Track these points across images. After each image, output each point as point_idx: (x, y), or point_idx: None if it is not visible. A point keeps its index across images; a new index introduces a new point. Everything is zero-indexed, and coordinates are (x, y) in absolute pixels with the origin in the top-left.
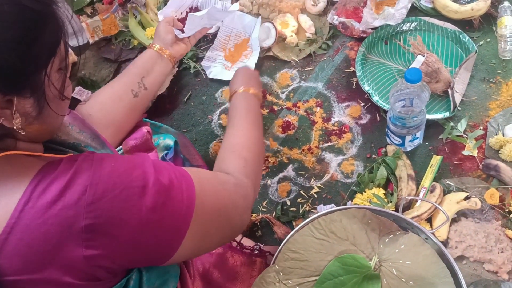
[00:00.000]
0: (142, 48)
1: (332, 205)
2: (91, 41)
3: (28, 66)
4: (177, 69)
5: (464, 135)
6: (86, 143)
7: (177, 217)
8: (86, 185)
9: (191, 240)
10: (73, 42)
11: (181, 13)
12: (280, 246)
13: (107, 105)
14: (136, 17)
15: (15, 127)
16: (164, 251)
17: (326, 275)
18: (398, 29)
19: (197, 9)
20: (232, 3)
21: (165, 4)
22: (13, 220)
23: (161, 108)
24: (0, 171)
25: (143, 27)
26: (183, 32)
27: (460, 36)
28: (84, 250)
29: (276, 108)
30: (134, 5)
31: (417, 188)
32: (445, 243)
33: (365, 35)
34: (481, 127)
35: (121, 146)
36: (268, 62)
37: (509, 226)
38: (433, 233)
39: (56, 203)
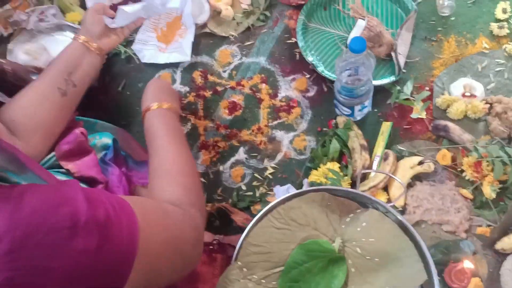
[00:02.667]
0: None
1: (289, 185)
2: (5, 34)
3: None
4: (106, 56)
5: (411, 97)
6: (1, 167)
7: (117, 258)
8: (8, 226)
9: (136, 281)
10: None
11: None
12: (240, 241)
13: (32, 107)
14: (52, 2)
15: None
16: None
17: (290, 264)
18: None
19: None
20: None
21: None
22: None
23: (93, 101)
24: None
25: (63, 12)
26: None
27: None
28: None
29: (219, 88)
30: None
31: (371, 157)
32: (403, 209)
33: (303, 2)
34: (427, 88)
35: (53, 153)
36: (205, 39)
37: (462, 185)
38: (392, 206)
39: None
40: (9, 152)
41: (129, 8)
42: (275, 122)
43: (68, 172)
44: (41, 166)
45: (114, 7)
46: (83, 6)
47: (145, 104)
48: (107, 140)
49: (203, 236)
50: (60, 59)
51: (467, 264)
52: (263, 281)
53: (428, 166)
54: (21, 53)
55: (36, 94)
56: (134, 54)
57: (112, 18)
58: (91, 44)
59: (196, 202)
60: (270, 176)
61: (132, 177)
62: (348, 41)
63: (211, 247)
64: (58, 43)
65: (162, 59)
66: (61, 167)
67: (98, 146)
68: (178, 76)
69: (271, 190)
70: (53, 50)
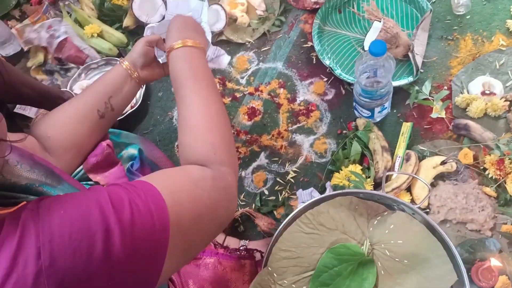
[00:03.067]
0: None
1: (312, 188)
2: (25, 48)
3: None
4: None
5: (430, 97)
6: (40, 181)
7: (151, 247)
8: (38, 246)
9: (173, 258)
10: (5, 51)
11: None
12: (269, 247)
13: (69, 125)
14: (70, 15)
15: None
16: (146, 280)
17: (320, 268)
18: None
19: None
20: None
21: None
22: None
23: None
24: None
25: (81, 25)
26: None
27: None
28: None
29: (238, 95)
30: (66, 2)
31: (392, 158)
32: (427, 209)
33: (317, 6)
34: (446, 87)
35: (81, 166)
36: (222, 47)
37: (485, 183)
38: (419, 207)
39: (9, 277)
40: (45, 166)
41: None
42: (295, 126)
43: (97, 184)
44: (74, 179)
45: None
46: (100, 18)
47: (168, 42)
48: (133, 151)
49: (236, 192)
50: (102, 82)
51: (494, 262)
52: (293, 285)
53: (451, 166)
54: (78, 89)
55: (76, 113)
56: None
57: (163, 51)
58: (133, 72)
59: (226, 159)
60: (292, 180)
61: None
62: (365, 43)
63: (239, 253)
64: None
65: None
66: (89, 180)
67: (125, 157)
68: None
69: (294, 194)
70: None
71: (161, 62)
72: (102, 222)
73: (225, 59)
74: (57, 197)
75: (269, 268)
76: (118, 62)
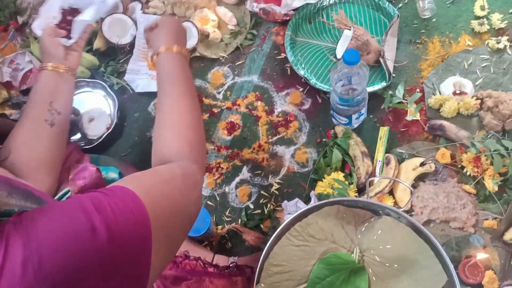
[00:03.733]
0: None
1: (297, 199)
2: None
3: None
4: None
5: (404, 100)
6: (19, 205)
7: (137, 240)
8: (24, 256)
9: (159, 252)
10: None
11: (54, 17)
12: (260, 263)
13: (26, 146)
14: (38, 40)
15: None
16: (139, 278)
17: (313, 280)
18: (319, 5)
19: (73, 10)
20: None
21: None
22: None
23: None
24: None
25: None
26: (69, 38)
27: (380, 2)
28: None
29: (215, 110)
30: None
31: (373, 162)
32: (410, 211)
33: (288, 18)
34: (418, 90)
35: (67, 188)
36: (196, 63)
37: (464, 181)
38: (404, 211)
39: None
40: (23, 190)
41: (85, 16)
42: (275, 138)
43: None
44: (54, 199)
45: (60, 27)
46: None
47: (154, 46)
48: (113, 174)
49: (201, 190)
50: (37, 93)
51: (480, 257)
52: None
53: (430, 166)
54: None
55: (27, 132)
56: (127, 84)
57: (64, 37)
58: (60, 67)
59: (199, 158)
60: (277, 192)
61: None
62: (337, 52)
63: (229, 270)
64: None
65: (155, 86)
66: None
67: (106, 181)
68: None
69: (279, 206)
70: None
71: (68, 44)
72: (87, 222)
73: None
74: (39, 208)
75: (261, 284)
76: (39, 70)
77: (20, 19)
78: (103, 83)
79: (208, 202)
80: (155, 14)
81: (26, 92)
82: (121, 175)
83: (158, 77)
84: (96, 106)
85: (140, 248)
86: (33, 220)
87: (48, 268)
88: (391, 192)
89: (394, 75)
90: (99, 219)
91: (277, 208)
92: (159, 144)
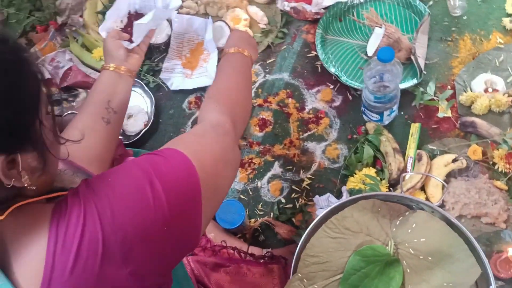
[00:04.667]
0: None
1: (328, 194)
2: None
3: (23, 118)
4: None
5: (435, 97)
6: None
7: (189, 191)
8: (99, 210)
9: (207, 202)
10: None
11: (121, 21)
12: (296, 253)
13: (83, 141)
14: (77, 40)
15: (26, 185)
16: (193, 229)
17: (349, 271)
18: (349, 3)
19: (138, 14)
20: None
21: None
22: (49, 266)
23: None
24: (16, 224)
25: (88, 50)
26: (131, 42)
27: (410, 0)
28: (125, 267)
29: None
30: (73, 28)
31: (404, 159)
32: (442, 206)
33: (318, 16)
34: (449, 87)
35: None
36: None
37: (495, 177)
38: (438, 205)
39: (83, 237)
40: (84, 171)
41: (143, 19)
42: (306, 134)
43: None
44: None
45: (126, 31)
46: None
47: (225, 48)
48: None
49: (236, 139)
50: (96, 91)
51: (511, 253)
52: None
53: (461, 163)
54: None
55: (84, 126)
56: (163, 82)
57: (128, 40)
58: (120, 68)
59: (227, 111)
60: (308, 187)
61: None
62: (368, 50)
63: (266, 259)
64: None
65: (189, 84)
66: None
67: None
68: None
69: (311, 201)
70: None
71: (130, 47)
72: (145, 177)
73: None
74: (101, 174)
75: (299, 274)
76: (102, 69)
77: (59, 20)
78: (140, 81)
79: (241, 196)
80: (188, 14)
81: (66, 89)
82: None
83: (219, 66)
84: (134, 103)
85: (192, 198)
86: (99, 182)
87: (120, 219)
88: (423, 188)
89: (425, 72)
90: (155, 176)
91: (309, 203)
92: (203, 114)
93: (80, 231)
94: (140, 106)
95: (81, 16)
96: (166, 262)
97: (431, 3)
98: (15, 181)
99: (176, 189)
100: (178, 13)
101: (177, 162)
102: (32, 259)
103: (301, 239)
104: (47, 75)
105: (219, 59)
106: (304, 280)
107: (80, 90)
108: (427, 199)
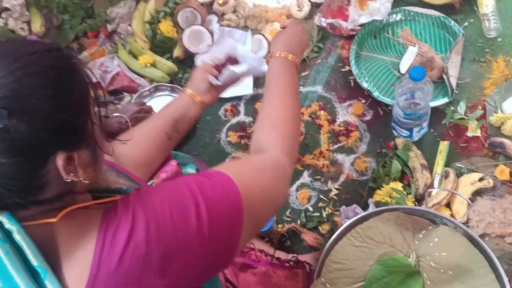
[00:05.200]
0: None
1: (355, 205)
2: None
3: (79, 119)
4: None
5: (465, 117)
6: (126, 185)
7: (231, 220)
8: (146, 221)
9: (245, 232)
10: None
11: (220, 59)
12: (320, 259)
13: (142, 145)
14: (125, 47)
15: (81, 179)
16: (229, 252)
17: (370, 279)
18: (385, 22)
19: (235, 60)
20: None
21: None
22: (94, 270)
23: None
24: (68, 227)
25: (134, 56)
26: (216, 79)
27: (445, 21)
28: (162, 279)
29: None
30: (122, 35)
31: (431, 175)
32: (466, 224)
33: (354, 33)
34: (480, 107)
35: (152, 180)
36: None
37: None
38: (460, 222)
39: (129, 245)
40: (126, 174)
41: (237, 68)
42: (336, 146)
43: None
44: (150, 186)
45: (217, 68)
46: (152, 49)
47: (272, 48)
48: (191, 170)
49: (290, 179)
50: (170, 107)
51: None
52: None
53: (488, 182)
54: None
55: (148, 135)
56: None
57: (215, 77)
58: (196, 98)
59: (290, 150)
60: (335, 197)
61: None
62: (401, 67)
63: (291, 263)
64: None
65: (226, 93)
66: None
67: (184, 174)
68: (242, 107)
69: (338, 211)
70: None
71: (214, 84)
72: (192, 199)
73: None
74: (151, 186)
75: (322, 278)
76: (181, 91)
77: (109, 27)
78: (180, 88)
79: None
80: (229, 26)
81: (112, 92)
82: (197, 171)
83: (266, 77)
84: None
85: (233, 228)
86: (149, 194)
87: (164, 235)
88: (448, 205)
89: (456, 91)
90: (201, 197)
91: (335, 213)
92: (256, 135)
93: (126, 239)
94: None
95: (129, 24)
96: (200, 278)
97: (466, 24)
98: (72, 176)
99: (219, 215)
100: (220, 25)
101: (226, 190)
102: (79, 262)
103: (326, 245)
104: (94, 79)
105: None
106: (327, 285)
107: (125, 94)
108: (452, 215)
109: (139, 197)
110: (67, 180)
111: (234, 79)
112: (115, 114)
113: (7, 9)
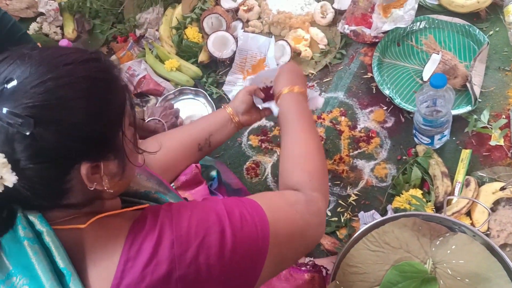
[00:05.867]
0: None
1: (373, 211)
2: None
3: (108, 131)
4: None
5: (488, 125)
6: (155, 189)
7: (255, 251)
8: (172, 239)
9: (269, 266)
10: None
11: (271, 81)
12: (336, 262)
13: (173, 151)
14: (152, 51)
15: (106, 188)
16: (248, 284)
17: (385, 284)
18: (408, 29)
19: None
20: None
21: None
22: (116, 280)
23: None
24: (96, 235)
25: (161, 61)
26: (261, 102)
27: (470, 29)
28: None
29: None
30: (149, 40)
31: (452, 183)
32: (487, 233)
33: (377, 40)
34: (504, 116)
35: (173, 183)
36: None
37: None
38: (479, 230)
39: (152, 260)
40: (156, 177)
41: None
42: (356, 152)
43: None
44: (176, 191)
45: (264, 91)
46: (178, 54)
47: (277, 87)
48: (213, 173)
49: (325, 217)
50: (207, 120)
51: None
52: None
53: (510, 191)
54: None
55: (180, 142)
56: (225, 94)
57: (259, 98)
58: (234, 117)
59: (319, 186)
60: (354, 203)
61: None
62: (424, 75)
63: (307, 267)
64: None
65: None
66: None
67: (206, 177)
68: None
69: (356, 216)
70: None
71: (260, 108)
72: (218, 225)
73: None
74: (183, 203)
75: (337, 281)
76: (222, 107)
77: (138, 32)
78: (204, 92)
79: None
80: (253, 32)
81: (139, 95)
82: (218, 174)
83: (280, 115)
84: (197, 112)
85: (255, 258)
86: (179, 212)
87: (186, 254)
88: (469, 214)
89: (480, 100)
90: (228, 224)
91: (354, 218)
92: (282, 175)
93: (150, 255)
94: (202, 114)
95: (157, 30)
96: None
97: (491, 32)
98: (96, 185)
99: (243, 245)
100: (244, 31)
101: (254, 220)
102: (103, 270)
103: (343, 249)
104: (132, 88)
105: None
106: (342, 287)
107: (151, 96)
108: (472, 224)
109: (169, 214)
110: (91, 188)
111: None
112: (150, 118)
113: (42, 14)
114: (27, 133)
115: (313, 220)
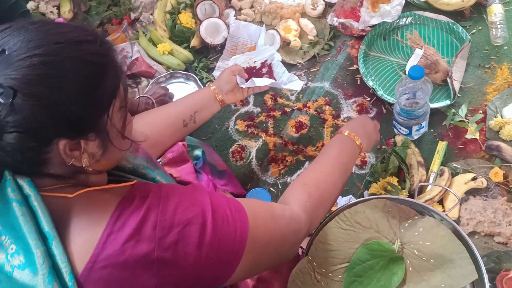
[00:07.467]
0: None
1: (350, 196)
2: None
3: (91, 113)
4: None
5: (465, 120)
6: (142, 165)
7: (231, 252)
8: (156, 221)
9: (241, 270)
10: None
11: (255, 61)
12: (310, 240)
13: (159, 127)
14: (145, 34)
15: (83, 166)
16: (218, 280)
17: (355, 261)
18: (395, 24)
19: (270, 67)
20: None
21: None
22: (97, 250)
23: None
24: (84, 206)
25: (154, 44)
26: (246, 81)
27: (454, 27)
28: (156, 278)
29: (287, 109)
30: (143, 24)
31: (427, 173)
32: (457, 221)
33: (364, 33)
34: (481, 111)
35: (160, 159)
36: None
37: None
38: (446, 215)
39: (134, 236)
40: (145, 153)
41: (259, 81)
42: None
43: (171, 176)
44: (164, 168)
45: (248, 71)
46: (171, 38)
47: (344, 127)
48: (198, 152)
49: (302, 239)
50: (192, 97)
51: None
52: (330, 274)
53: (481, 182)
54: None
55: (166, 118)
56: (214, 79)
57: (245, 79)
58: (218, 95)
59: (311, 212)
60: None
61: (216, 183)
62: (407, 68)
63: None
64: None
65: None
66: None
67: (191, 156)
68: (251, 98)
69: None
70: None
71: (243, 87)
72: (201, 217)
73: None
74: (173, 187)
75: (309, 257)
76: (207, 85)
77: (133, 15)
78: (195, 76)
79: (271, 189)
80: (245, 20)
81: (131, 76)
82: (203, 154)
83: (326, 146)
84: None
85: (231, 257)
86: (167, 197)
87: (166, 238)
88: (441, 202)
89: (459, 95)
90: (210, 219)
91: None
92: (287, 189)
93: (132, 232)
94: None
95: (151, 13)
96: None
97: (474, 31)
98: (74, 161)
99: (221, 243)
100: (236, 19)
101: (235, 223)
102: (86, 240)
103: (317, 227)
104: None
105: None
106: (314, 263)
107: (143, 78)
108: (443, 211)
109: (157, 196)
110: (68, 164)
111: (255, 90)
112: (142, 95)
113: None
114: (6, 102)
115: (289, 237)
